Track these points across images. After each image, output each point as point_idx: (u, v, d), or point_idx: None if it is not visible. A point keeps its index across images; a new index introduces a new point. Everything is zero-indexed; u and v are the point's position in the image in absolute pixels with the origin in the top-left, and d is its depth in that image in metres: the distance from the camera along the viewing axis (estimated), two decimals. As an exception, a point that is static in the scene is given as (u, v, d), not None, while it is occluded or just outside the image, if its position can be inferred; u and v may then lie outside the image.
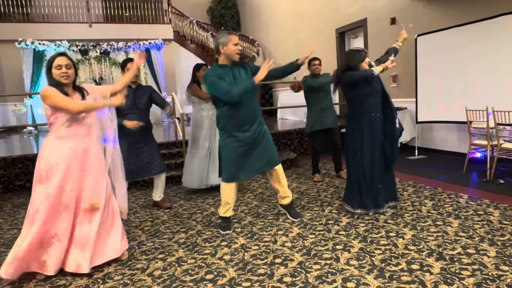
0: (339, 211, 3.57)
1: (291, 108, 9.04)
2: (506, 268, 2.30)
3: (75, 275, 2.55)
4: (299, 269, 2.45)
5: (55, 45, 9.77)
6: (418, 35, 5.77)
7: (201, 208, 3.99)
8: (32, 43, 9.52)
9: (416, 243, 2.73)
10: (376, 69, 3.18)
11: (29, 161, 5.23)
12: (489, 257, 2.46)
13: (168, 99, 10.17)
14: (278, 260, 2.60)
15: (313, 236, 3.00)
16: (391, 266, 2.42)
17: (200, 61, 11.03)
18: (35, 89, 9.64)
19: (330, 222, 3.29)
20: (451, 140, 5.87)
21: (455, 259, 2.46)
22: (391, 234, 2.94)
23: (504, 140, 4.36)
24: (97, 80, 10.20)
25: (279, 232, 3.13)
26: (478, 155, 5.02)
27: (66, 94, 2.53)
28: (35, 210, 2.49)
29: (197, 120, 4.41)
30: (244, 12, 13.18)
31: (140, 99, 3.74)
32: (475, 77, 5.03)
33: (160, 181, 3.98)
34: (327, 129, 4.67)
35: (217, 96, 3.06)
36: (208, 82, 3.04)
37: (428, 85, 5.70)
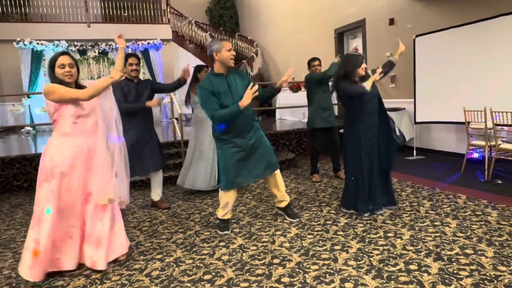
0: (337, 211, 3.57)
1: (289, 109, 9.05)
2: (503, 268, 2.30)
3: (73, 275, 2.55)
4: (297, 270, 2.45)
5: (54, 45, 9.76)
6: (417, 36, 5.78)
7: (199, 208, 3.98)
8: (30, 43, 9.51)
9: (414, 244, 2.74)
10: (367, 85, 3.17)
11: (27, 161, 5.22)
12: (487, 257, 2.46)
13: (167, 100, 10.20)
14: (276, 261, 2.60)
15: (311, 236, 3.00)
16: (389, 266, 2.42)
17: (199, 61, 11.03)
18: (33, 89, 9.63)
19: (328, 222, 3.30)
20: (449, 141, 5.88)
21: (453, 259, 2.46)
22: (389, 234, 2.94)
23: (502, 141, 4.37)
24: (96, 80, 10.18)
25: (277, 233, 3.13)
26: (475, 155, 5.03)
27: None
28: (41, 209, 2.48)
29: (200, 120, 4.40)
30: (243, 13, 13.19)
31: (142, 93, 3.76)
32: (473, 78, 5.04)
33: (156, 179, 3.97)
34: (328, 128, 4.67)
35: (204, 112, 3.09)
36: (200, 95, 3.03)
37: (427, 86, 5.71)
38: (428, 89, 5.69)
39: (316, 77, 4.61)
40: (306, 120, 8.27)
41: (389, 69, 3.60)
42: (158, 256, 2.80)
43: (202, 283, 2.36)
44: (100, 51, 10.25)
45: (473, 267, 2.34)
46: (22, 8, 10.34)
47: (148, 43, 10.54)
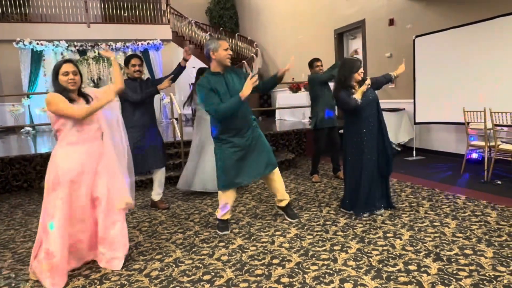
0: (337, 212, 3.57)
1: (289, 109, 9.05)
2: (503, 269, 2.30)
3: (72, 275, 2.55)
4: (297, 270, 2.45)
5: (53, 45, 9.76)
6: (416, 36, 5.79)
7: (199, 208, 3.98)
8: (30, 43, 9.51)
9: (414, 244, 2.74)
10: (358, 97, 3.24)
11: (27, 161, 5.22)
12: (486, 258, 2.46)
13: (167, 100, 10.20)
14: (275, 261, 2.60)
15: (310, 236, 3.00)
16: (388, 266, 2.42)
17: (198, 61, 11.03)
18: (33, 89, 9.63)
19: (327, 223, 3.30)
20: (449, 141, 5.88)
21: (452, 259, 2.46)
22: (388, 235, 2.94)
23: (501, 141, 4.38)
24: (95, 81, 10.19)
25: (277, 233, 3.13)
26: (474, 155, 5.03)
27: (71, 99, 2.54)
28: (51, 218, 2.47)
29: (204, 121, 4.38)
30: (243, 13, 13.19)
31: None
32: (473, 78, 5.05)
33: (158, 176, 3.98)
34: (331, 128, 4.68)
35: (205, 109, 3.08)
36: (200, 92, 3.03)
37: (426, 86, 5.71)
38: (428, 89, 5.69)
39: (322, 78, 4.61)
40: (305, 120, 8.34)
41: (385, 82, 3.64)
42: (158, 257, 2.80)
43: (202, 283, 2.36)
44: (100, 51, 10.25)
45: (473, 268, 2.34)
46: (22, 8, 10.34)
47: (148, 43, 10.55)
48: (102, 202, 2.61)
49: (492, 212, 3.30)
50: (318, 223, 3.30)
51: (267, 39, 11.55)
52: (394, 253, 2.60)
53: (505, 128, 4.44)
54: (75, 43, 10.04)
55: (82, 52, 10.13)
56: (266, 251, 2.77)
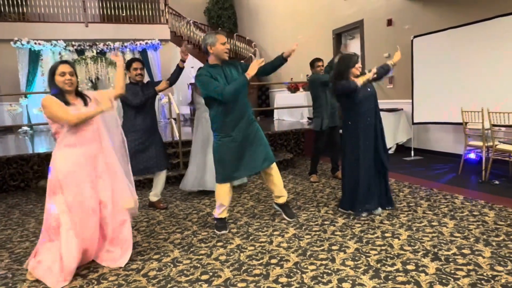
0: (335, 211, 3.57)
1: (287, 109, 9.05)
2: (501, 268, 2.31)
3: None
4: (295, 270, 2.45)
5: (51, 45, 9.73)
6: (415, 37, 5.80)
7: (197, 208, 3.98)
8: (28, 42, 9.48)
9: (412, 244, 2.74)
10: (359, 81, 3.19)
11: (24, 161, 5.20)
12: (484, 257, 2.46)
13: (165, 100, 10.18)
14: (273, 261, 2.60)
15: (309, 236, 3.00)
16: (386, 266, 2.42)
17: (197, 61, 11.02)
18: (30, 89, 9.60)
19: (326, 222, 3.29)
20: (446, 141, 5.89)
21: (450, 259, 2.46)
22: (386, 234, 2.94)
23: (499, 141, 4.39)
24: (93, 80, 10.17)
25: (275, 233, 3.13)
26: (472, 155, 5.04)
27: (68, 102, 2.52)
28: (57, 222, 2.47)
29: (206, 120, 4.35)
30: (241, 13, 13.18)
31: (148, 95, 3.80)
32: (471, 79, 5.06)
33: (160, 178, 3.97)
34: (332, 128, 4.67)
35: (210, 96, 3.02)
36: (201, 82, 3.02)
37: (424, 86, 5.72)
38: (426, 89, 5.70)
39: (323, 78, 4.59)
40: (304, 120, 8.34)
41: (384, 73, 3.59)
42: (156, 256, 2.79)
43: (200, 283, 2.36)
44: (98, 51, 10.22)
45: (470, 267, 2.34)
46: (20, 8, 10.32)
47: (146, 43, 10.53)
48: (108, 205, 2.62)
49: (490, 212, 3.31)
50: (316, 223, 3.30)
51: (266, 39, 11.55)
52: (392, 253, 2.61)
53: (503, 128, 4.45)
54: (73, 43, 10.01)
55: (80, 52, 10.11)
56: (264, 251, 2.77)
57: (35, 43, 9.56)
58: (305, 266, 2.49)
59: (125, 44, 10.36)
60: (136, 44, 10.46)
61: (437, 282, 2.18)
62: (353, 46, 7.85)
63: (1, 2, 10.12)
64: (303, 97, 8.65)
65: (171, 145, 5.89)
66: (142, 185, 4.98)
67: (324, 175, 5.15)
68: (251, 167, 3.17)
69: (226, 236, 3.12)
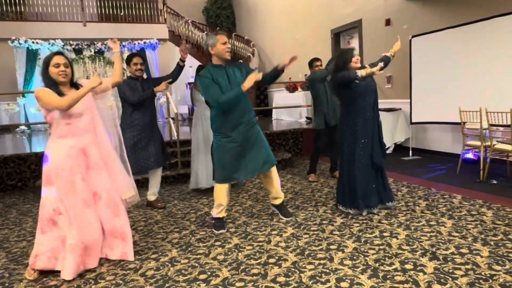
0: (334, 211, 3.56)
1: (286, 109, 9.05)
2: (498, 267, 2.31)
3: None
4: (293, 269, 2.44)
5: (49, 44, 9.70)
6: (413, 36, 5.80)
7: (195, 208, 3.97)
8: (26, 41, 9.45)
9: (410, 243, 2.74)
10: (361, 72, 3.16)
11: (21, 160, 5.18)
12: (482, 257, 2.46)
13: (163, 99, 10.16)
14: (272, 260, 2.59)
15: (307, 236, 3.00)
16: (384, 266, 2.42)
17: (195, 61, 11.01)
18: (28, 88, 9.57)
19: (324, 222, 3.29)
20: (445, 141, 5.90)
21: (448, 259, 2.46)
22: (385, 234, 2.94)
23: (497, 141, 4.39)
24: (91, 80, 10.13)
25: (273, 232, 3.12)
26: (469, 155, 5.04)
27: (61, 94, 2.49)
28: (53, 212, 2.47)
29: (205, 118, 4.35)
30: (240, 13, 13.18)
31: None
32: (469, 78, 5.06)
33: (156, 176, 3.96)
34: (332, 127, 4.68)
35: (207, 99, 3.12)
36: (202, 83, 3.06)
37: (423, 86, 5.72)
38: (424, 89, 5.70)
39: (321, 75, 4.59)
40: (302, 120, 8.34)
41: (386, 64, 3.61)
42: (153, 256, 2.78)
43: (197, 282, 2.35)
44: (96, 50, 10.20)
45: (469, 267, 2.34)
46: (18, 7, 10.28)
47: (145, 42, 10.50)
48: (103, 196, 2.60)
49: (488, 212, 3.31)
50: (315, 222, 3.30)
51: (264, 39, 11.55)
52: (390, 252, 2.60)
53: (501, 128, 4.46)
54: (71, 42, 9.98)
55: (78, 51, 10.08)
56: (262, 250, 2.76)
57: (33, 42, 9.53)
58: (303, 265, 2.49)
59: (123, 43, 10.34)
60: (135, 44, 10.43)
61: (435, 282, 2.18)
62: (352, 46, 7.85)
63: (-1, 1, 10.09)
64: (301, 97, 8.65)
65: (169, 144, 5.88)
66: (140, 185, 4.96)
67: (322, 174, 5.14)
68: (251, 169, 3.17)
69: (224, 236, 3.11)
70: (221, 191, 3.19)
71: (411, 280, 2.22)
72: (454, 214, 3.29)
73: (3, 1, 10.13)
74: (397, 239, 2.83)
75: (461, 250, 2.57)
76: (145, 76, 3.92)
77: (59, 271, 2.53)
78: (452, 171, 4.91)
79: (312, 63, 4.79)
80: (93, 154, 2.60)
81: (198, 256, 2.73)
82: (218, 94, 2.99)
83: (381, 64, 3.37)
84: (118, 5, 11.24)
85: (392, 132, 6.30)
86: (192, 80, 10.88)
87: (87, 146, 2.58)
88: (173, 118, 6.01)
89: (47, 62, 2.51)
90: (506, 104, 4.34)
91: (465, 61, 5.12)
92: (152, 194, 4.02)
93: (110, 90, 2.77)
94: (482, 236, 2.80)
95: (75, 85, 2.63)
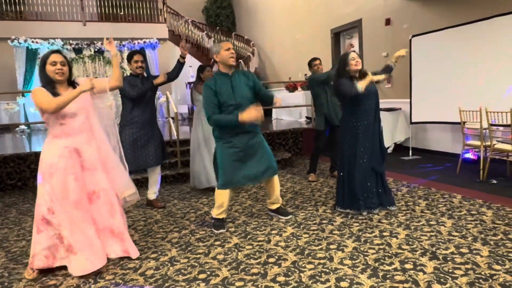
0: (333, 211, 3.56)
1: (286, 108, 9.04)
2: (498, 267, 2.31)
3: (66, 274, 2.52)
4: (293, 269, 2.44)
5: (49, 43, 9.69)
6: (413, 36, 5.80)
7: (195, 207, 3.97)
8: (25, 41, 9.44)
9: (410, 243, 2.73)
10: (361, 86, 3.16)
11: (21, 159, 5.17)
12: (482, 256, 2.46)
13: (163, 99, 10.16)
14: (271, 260, 2.59)
15: (307, 235, 2.99)
16: (384, 265, 2.41)
17: (195, 60, 11.00)
18: (28, 87, 9.56)
19: (324, 221, 3.29)
20: (444, 141, 5.90)
21: (448, 258, 2.46)
22: (384, 233, 2.94)
23: (497, 141, 4.39)
24: (91, 79, 10.13)
25: (273, 232, 3.12)
26: (469, 155, 5.04)
27: (56, 94, 2.47)
28: (47, 211, 2.47)
29: (204, 115, 4.35)
30: (240, 12, 13.17)
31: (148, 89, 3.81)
32: (469, 78, 5.06)
33: (155, 174, 3.96)
34: (333, 127, 4.67)
35: (203, 109, 3.20)
36: (204, 92, 3.12)
37: (423, 86, 5.72)
38: (424, 89, 5.70)
39: (320, 77, 4.59)
40: (302, 120, 8.33)
41: (388, 73, 3.61)
42: (153, 255, 2.78)
43: (197, 282, 2.35)
44: (96, 50, 10.19)
45: (468, 266, 2.34)
46: (17, 6, 10.27)
47: (144, 42, 10.49)
48: (101, 195, 2.59)
49: (488, 211, 3.31)
50: (314, 222, 3.30)
51: (264, 39, 11.54)
52: (390, 252, 2.60)
53: (501, 128, 4.46)
54: (71, 42, 9.97)
55: (78, 51, 10.07)
56: (262, 250, 2.76)
57: (33, 42, 9.52)
58: (303, 265, 2.49)
59: (123, 43, 10.33)
60: (134, 43, 10.42)
61: (435, 281, 2.18)
62: (349, 42, 7.84)
63: (-2, 0, 10.08)
64: (301, 97, 8.65)
65: (169, 144, 5.87)
66: (140, 184, 4.95)
67: (322, 174, 5.14)
68: (253, 176, 3.19)
69: (224, 235, 3.11)
70: (222, 194, 3.20)
71: (411, 279, 2.22)
72: (454, 214, 3.29)
73: (3, 1, 10.12)
74: (397, 238, 2.83)
75: (461, 250, 2.57)
76: (145, 74, 3.92)
77: (58, 270, 2.53)
78: (452, 170, 4.91)
79: (311, 62, 4.80)
80: (87, 154, 2.58)
81: (198, 256, 2.73)
82: (213, 110, 3.05)
83: (383, 76, 3.40)
84: (118, 4, 11.23)
85: (392, 132, 6.30)
86: (192, 79, 10.89)
87: (81, 146, 2.56)
88: (173, 118, 6.01)
89: (44, 60, 2.49)
90: (506, 104, 4.34)
91: (465, 60, 5.11)
92: (152, 193, 4.02)
93: (107, 91, 2.74)
94: (482, 235, 2.80)
95: (72, 84, 2.62)
